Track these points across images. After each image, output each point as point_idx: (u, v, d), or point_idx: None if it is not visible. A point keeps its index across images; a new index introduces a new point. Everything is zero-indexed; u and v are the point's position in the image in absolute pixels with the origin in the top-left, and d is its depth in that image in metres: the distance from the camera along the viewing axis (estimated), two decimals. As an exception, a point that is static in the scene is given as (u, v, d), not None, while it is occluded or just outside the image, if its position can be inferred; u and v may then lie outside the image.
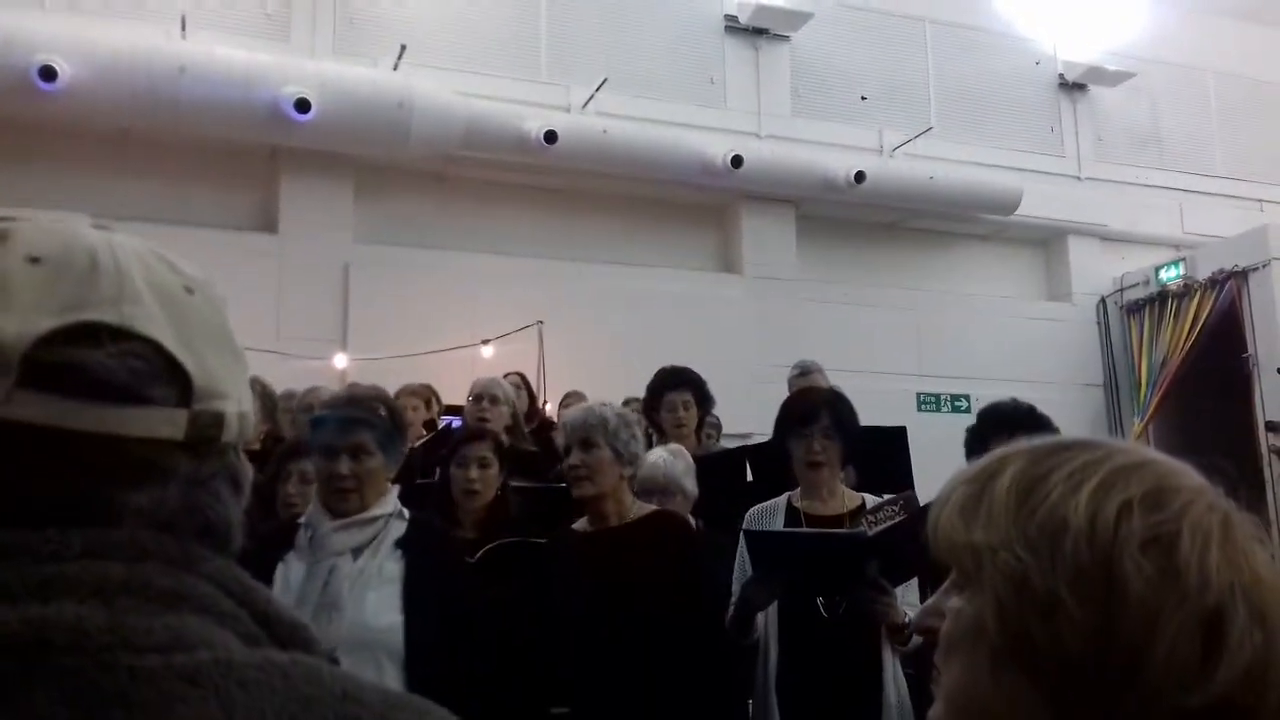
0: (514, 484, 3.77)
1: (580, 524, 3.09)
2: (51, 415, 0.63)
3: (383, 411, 2.71)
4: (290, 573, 2.54)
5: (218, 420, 0.70)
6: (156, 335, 0.68)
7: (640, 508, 3.08)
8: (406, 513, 2.70)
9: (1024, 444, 0.83)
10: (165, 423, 0.67)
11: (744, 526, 3.24)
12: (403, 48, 7.83)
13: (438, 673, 2.43)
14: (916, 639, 2.93)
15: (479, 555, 3.26)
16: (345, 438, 2.61)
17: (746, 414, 6.35)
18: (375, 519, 2.61)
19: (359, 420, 2.64)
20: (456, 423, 5.93)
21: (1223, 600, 0.72)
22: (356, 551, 2.56)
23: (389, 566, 2.56)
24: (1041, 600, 0.72)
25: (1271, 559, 0.76)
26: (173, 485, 0.68)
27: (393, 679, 2.42)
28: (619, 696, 2.79)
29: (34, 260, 0.66)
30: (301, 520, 2.67)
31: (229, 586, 0.66)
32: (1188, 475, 0.78)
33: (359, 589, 2.51)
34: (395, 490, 2.74)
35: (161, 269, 0.72)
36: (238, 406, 0.72)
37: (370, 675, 2.34)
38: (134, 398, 0.66)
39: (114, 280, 0.68)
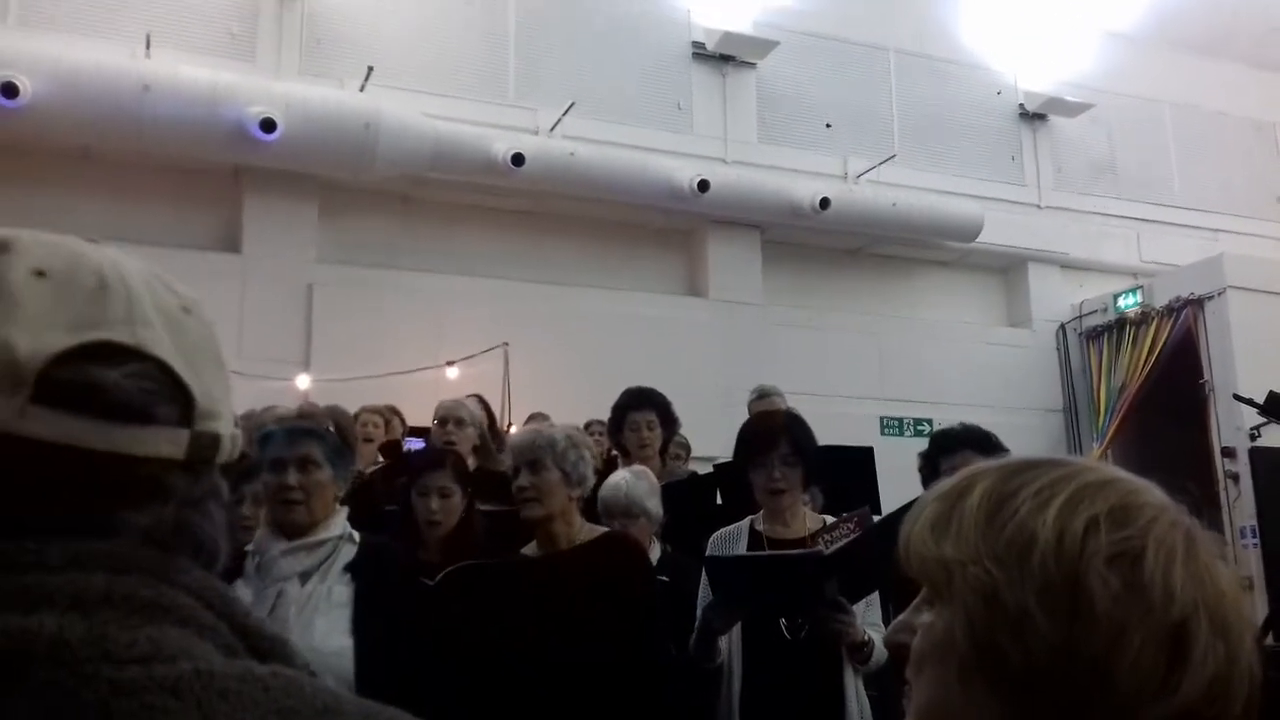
0: (481, 507, 3.74)
1: (529, 548, 3.07)
2: (63, 433, 0.64)
3: (330, 426, 2.72)
4: None
5: (215, 441, 0.72)
6: (165, 357, 0.69)
7: (590, 530, 3.05)
8: (357, 536, 2.66)
9: (993, 462, 0.84)
10: (169, 442, 0.68)
11: (707, 552, 3.24)
12: (370, 69, 7.82)
13: (388, 698, 2.39)
14: (878, 658, 2.94)
15: (438, 578, 3.23)
16: (292, 449, 2.60)
17: (712, 436, 6.36)
18: (323, 542, 2.58)
19: (305, 432, 2.64)
20: (418, 445, 5.90)
21: (1187, 614, 0.73)
22: (305, 576, 2.53)
23: (339, 590, 2.53)
24: (1010, 614, 0.73)
25: (1233, 574, 0.78)
26: (171, 505, 0.68)
27: None
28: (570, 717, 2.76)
29: (39, 274, 0.67)
30: (249, 547, 2.63)
31: (208, 598, 0.66)
32: (1151, 493, 0.79)
33: (307, 614, 2.47)
34: (344, 512, 2.70)
35: (161, 289, 0.73)
36: (229, 428, 0.74)
37: None
38: (142, 417, 0.67)
39: (124, 301, 0.69)
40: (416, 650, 2.58)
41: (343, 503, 2.74)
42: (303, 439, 2.62)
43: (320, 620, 2.47)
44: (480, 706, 2.79)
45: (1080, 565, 0.73)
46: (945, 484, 0.84)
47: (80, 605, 0.60)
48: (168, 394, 0.69)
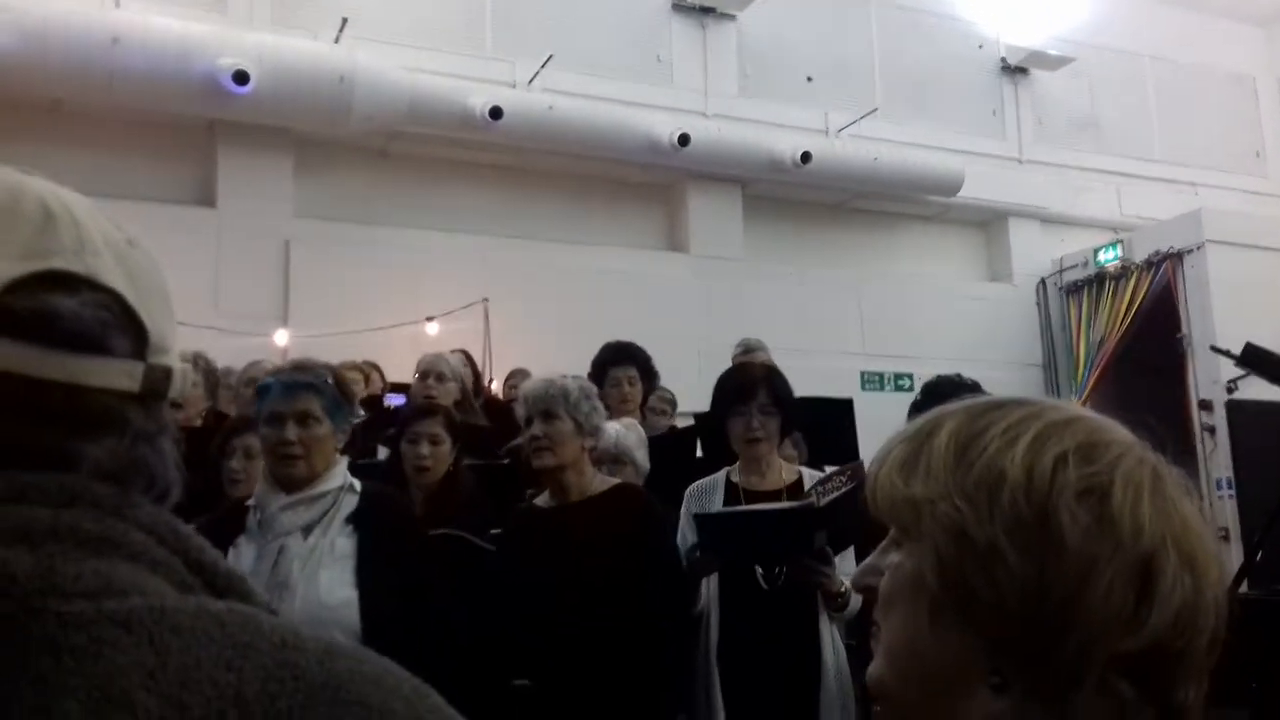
0: (468, 462, 3.74)
1: (541, 499, 3.07)
2: (16, 362, 0.62)
3: (329, 379, 2.65)
4: (241, 556, 2.48)
5: (167, 374, 0.70)
6: (117, 286, 0.68)
7: (602, 481, 3.07)
8: (358, 485, 2.64)
9: (959, 403, 0.84)
10: (124, 374, 0.67)
11: (686, 506, 3.25)
12: (344, 20, 7.70)
13: (395, 648, 2.40)
14: (853, 606, 2.96)
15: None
16: (291, 403, 2.56)
17: (692, 392, 6.35)
18: (324, 494, 2.55)
19: (305, 385, 2.59)
20: (398, 400, 5.89)
21: (1155, 547, 0.73)
22: (307, 530, 2.50)
23: (341, 543, 2.51)
24: (980, 550, 0.73)
25: (1198, 510, 0.78)
26: (126, 438, 0.67)
27: None
28: (580, 669, 2.78)
29: None
30: (250, 502, 2.60)
31: (161, 533, 0.65)
32: (1117, 430, 0.80)
33: (311, 567, 2.45)
34: (344, 462, 2.67)
35: (104, 222, 0.71)
36: (178, 362, 0.73)
37: None
38: (97, 348, 0.65)
39: (72, 230, 0.67)
40: (421, 599, 2.56)
41: (342, 453, 2.69)
42: (300, 392, 2.58)
43: (324, 573, 2.45)
44: (489, 656, 2.81)
45: (1050, 500, 0.73)
46: (911, 425, 0.84)
47: (28, 538, 0.59)
48: (122, 325, 0.67)
